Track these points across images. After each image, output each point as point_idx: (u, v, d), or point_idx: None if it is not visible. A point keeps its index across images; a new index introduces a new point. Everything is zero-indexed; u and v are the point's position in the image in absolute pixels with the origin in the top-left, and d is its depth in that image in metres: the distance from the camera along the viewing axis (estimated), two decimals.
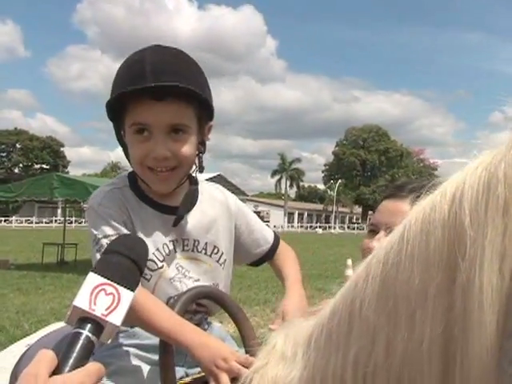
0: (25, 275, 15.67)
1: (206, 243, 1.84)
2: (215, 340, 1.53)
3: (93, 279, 1.13)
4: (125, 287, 1.14)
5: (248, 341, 1.59)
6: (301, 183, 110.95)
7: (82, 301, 1.09)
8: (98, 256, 1.58)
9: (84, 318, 1.08)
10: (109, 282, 1.13)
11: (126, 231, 1.69)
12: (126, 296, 1.13)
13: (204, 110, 1.75)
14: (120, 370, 1.64)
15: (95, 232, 1.68)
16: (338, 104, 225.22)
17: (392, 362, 0.89)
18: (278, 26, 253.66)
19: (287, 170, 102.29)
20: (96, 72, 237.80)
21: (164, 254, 1.76)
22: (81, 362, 1.02)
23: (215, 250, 1.86)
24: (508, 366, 0.78)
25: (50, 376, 0.96)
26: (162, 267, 1.75)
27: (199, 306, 1.77)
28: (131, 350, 1.69)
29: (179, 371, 1.64)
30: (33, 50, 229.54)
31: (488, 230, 0.79)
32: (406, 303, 0.88)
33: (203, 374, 1.57)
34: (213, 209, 1.89)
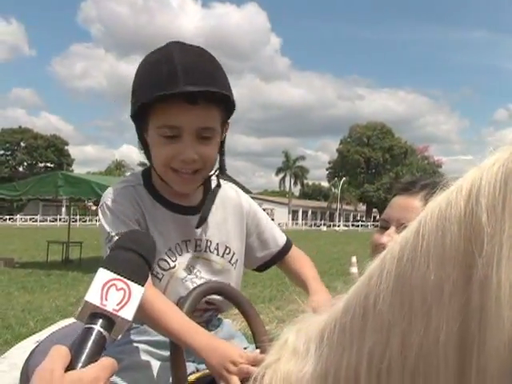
0: (30, 273, 15.70)
1: (217, 244, 1.83)
2: (223, 342, 1.52)
3: (103, 275, 1.13)
4: (135, 282, 1.14)
5: (259, 337, 1.59)
6: (305, 181, 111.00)
7: (93, 296, 1.10)
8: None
9: (95, 314, 1.09)
10: (119, 277, 1.13)
11: (136, 225, 1.68)
12: (137, 291, 1.14)
13: (227, 110, 1.75)
14: (131, 365, 1.64)
15: (108, 229, 1.67)
16: (342, 101, 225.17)
17: (407, 358, 0.89)
18: (282, 24, 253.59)
19: (291, 167, 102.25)
20: (100, 71, 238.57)
21: (176, 253, 1.76)
22: (93, 358, 1.02)
23: (227, 251, 1.86)
24: None
25: (65, 371, 0.97)
26: (174, 267, 1.75)
27: (209, 304, 1.77)
28: (142, 346, 1.69)
29: (190, 366, 1.64)
30: (37, 48, 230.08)
31: (506, 227, 0.79)
32: (421, 299, 0.88)
33: None
34: (225, 209, 1.88)
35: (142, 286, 1.16)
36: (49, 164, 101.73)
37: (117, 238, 1.61)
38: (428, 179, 1.93)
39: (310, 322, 1.23)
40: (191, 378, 1.54)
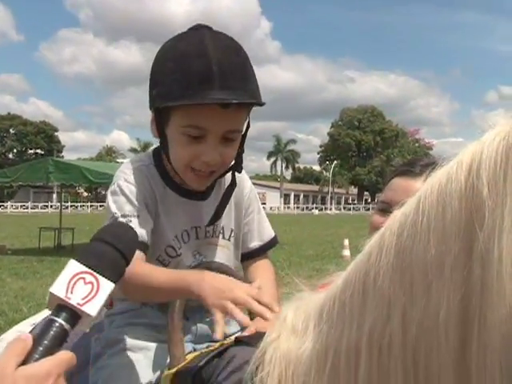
0: (22, 260, 15.67)
1: (222, 227, 1.81)
2: (218, 275, 1.48)
3: (73, 267, 1.11)
4: (106, 277, 1.12)
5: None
6: (296, 165, 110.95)
7: (58, 288, 1.08)
8: None
9: (61, 306, 1.07)
10: (90, 270, 1.11)
11: (146, 213, 1.65)
12: (106, 287, 1.11)
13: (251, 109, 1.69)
14: (130, 347, 1.64)
15: (114, 210, 1.63)
16: (333, 85, 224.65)
17: (408, 333, 0.89)
18: (273, 7, 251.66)
19: (282, 151, 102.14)
20: (89, 56, 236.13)
21: (182, 241, 1.74)
22: (52, 350, 1.02)
23: (232, 234, 1.84)
24: None
25: (23, 363, 0.98)
26: (180, 255, 1.74)
27: None
28: (141, 328, 1.69)
29: (187, 346, 1.65)
30: (25, 34, 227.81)
31: (507, 200, 0.79)
32: (422, 274, 0.88)
33: (211, 348, 1.57)
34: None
35: (114, 282, 1.13)
36: (39, 150, 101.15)
37: (122, 220, 1.58)
38: (427, 160, 1.90)
39: (308, 299, 1.23)
40: (189, 357, 1.54)
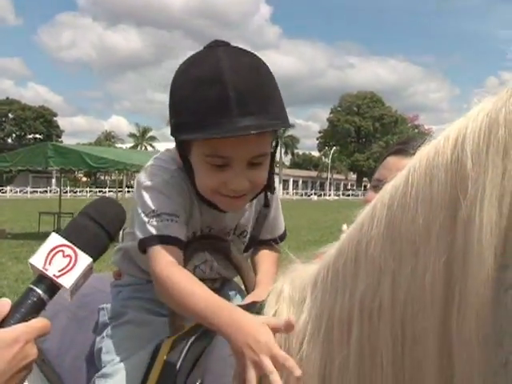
0: (22, 244, 15.71)
1: (236, 225, 1.76)
2: (251, 323, 1.27)
3: (54, 240, 1.15)
4: (85, 252, 1.15)
5: (251, 291, 1.65)
6: (295, 150, 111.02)
7: (37, 259, 1.12)
8: (150, 228, 1.51)
9: (41, 276, 1.12)
10: (69, 244, 1.14)
11: (184, 215, 1.58)
12: (83, 261, 1.14)
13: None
14: (134, 319, 1.68)
15: (154, 207, 1.54)
16: (333, 70, 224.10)
17: (397, 297, 0.96)
18: None
19: (281, 137, 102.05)
20: (88, 40, 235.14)
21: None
22: (26, 317, 1.07)
23: (244, 233, 1.80)
24: (503, 295, 0.86)
25: None
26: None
27: (216, 273, 1.77)
28: (145, 302, 1.72)
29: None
30: (23, 17, 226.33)
31: (489, 172, 0.86)
32: (410, 242, 0.95)
33: None
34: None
35: (92, 257, 1.16)
36: (38, 135, 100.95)
37: (164, 215, 1.53)
38: (421, 140, 1.95)
39: (302, 270, 1.29)
40: (188, 326, 1.57)
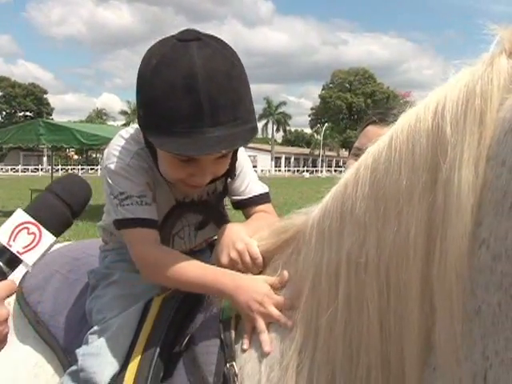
0: None
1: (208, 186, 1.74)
2: (250, 280, 1.45)
3: (20, 216, 1.19)
4: (49, 230, 1.19)
5: None
6: (287, 127, 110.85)
7: (2, 235, 1.17)
8: (122, 211, 1.56)
9: (3, 249, 1.17)
10: (34, 221, 1.18)
11: (150, 194, 1.61)
12: (47, 239, 1.19)
13: None
14: (119, 280, 1.73)
15: (120, 190, 1.57)
16: (325, 47, 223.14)
17: (382, 252, 1.05)
18: None
19: (273, 114, 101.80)
20: (78, 16, 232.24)
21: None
22: None
23: (215, 192, 1.79)
24: (477, 250, 0.95)
25: None
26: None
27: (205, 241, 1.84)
28: (128, 264, 1.74)
29: None
30: None
31: (466, 137, 0.95)
32: (394, 202, 1.04)
33: None
34: None
35: (56, 236, 1.20)
36: (28, 113, 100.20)
37: (134, 198, 1.57)
38: (400, 108, 2.02)
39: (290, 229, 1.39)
40: None
